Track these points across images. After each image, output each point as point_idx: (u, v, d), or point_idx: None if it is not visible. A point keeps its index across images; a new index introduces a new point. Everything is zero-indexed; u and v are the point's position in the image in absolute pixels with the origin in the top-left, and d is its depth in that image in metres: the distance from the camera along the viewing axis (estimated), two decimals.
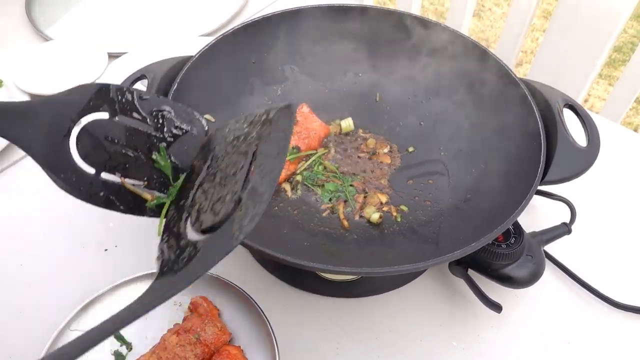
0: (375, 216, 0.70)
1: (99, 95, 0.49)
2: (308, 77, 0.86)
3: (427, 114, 0.82)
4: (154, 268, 0.69)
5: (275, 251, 0.55)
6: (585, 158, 0.65)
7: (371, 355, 0.67)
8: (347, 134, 0.82)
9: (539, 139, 0.66)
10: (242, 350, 0.62)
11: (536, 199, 0.81)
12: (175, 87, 0.70)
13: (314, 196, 0.74)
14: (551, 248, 0.76)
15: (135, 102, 0.50)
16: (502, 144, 0.72)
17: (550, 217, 0.79)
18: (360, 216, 0.72)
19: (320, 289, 0.72)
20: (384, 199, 0.74)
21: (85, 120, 0.48)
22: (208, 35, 1.11)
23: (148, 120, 0.51)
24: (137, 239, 0.78)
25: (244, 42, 0.80)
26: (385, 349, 0.68)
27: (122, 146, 0.50)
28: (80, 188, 0.49)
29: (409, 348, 0.68)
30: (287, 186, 0.74)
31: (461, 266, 0.69)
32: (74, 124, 0.48)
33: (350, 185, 0.75)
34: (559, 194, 0.77)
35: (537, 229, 0.73)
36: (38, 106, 0.47)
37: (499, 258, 0.66)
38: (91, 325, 0.63)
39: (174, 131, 0.52)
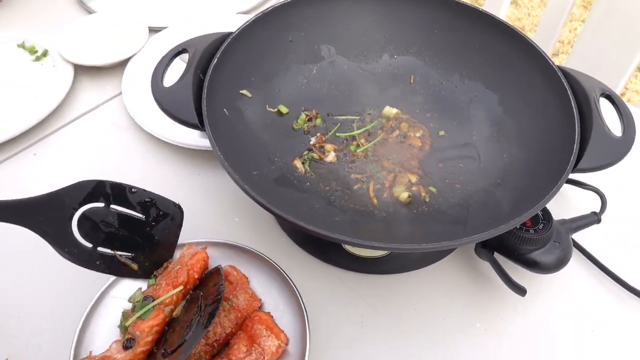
0: (404, 195, 0.72)
1: (96, 188, 0.62)
2: (344, 57, 0.87)
3: (461, 98, 0.83)
4: (189, 237, 0.72)
5: (308, 223, 0.57)
6: (619, 148, 0.65)
7: (395, 330, 0.69)
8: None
9: (573, 127, 0.66)
10: (272, 316, 0.64)
11: (567, 188, 0.82)
12: (215, 62, 0.72)
13: (346, 167, 0.76)
14: (580, 237, 0.76)
15: (127, 194, 0.64)
16: (536, 131, 0.72)
17: (580, 206, 0.80)
18: (390, 195, 0.73)
19: (347, 264, 0.74)
20: (413, 178, 0.75)
21: (84, 208, 0.61)
22: (246, 12, 1.13)
23: (137, 208, 0.64)
24: None
25: (282, 20, 0.81)
26: (409, 326, 0.70)
27: (115, 228, 0.64)
28: (80, 258, 0.63)
29: (431, 326, 0.70)
30: (297, 163, 0.75)
31: (487, 249, 0.70)
32: (75, 211, 0.61)
33: (381, 168, 0.77)
34: (590, 183, 0.77)
35: (567, 217, 0.74)
36: (47, 199, 0.59)
37: (526, 243, 0.67)
38: (127, 292, 0.66)
39: (157, 216, 0.65)
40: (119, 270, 0.65)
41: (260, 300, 0.66)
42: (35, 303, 0.70)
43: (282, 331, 0.63)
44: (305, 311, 0.64)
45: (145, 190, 0.65)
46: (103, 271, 0.64)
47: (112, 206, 0.63)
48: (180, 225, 0.67)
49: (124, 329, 0.61)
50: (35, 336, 0.68)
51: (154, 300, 0.61)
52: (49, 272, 0.73)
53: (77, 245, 0.62)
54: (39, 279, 0.72)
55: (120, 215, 0.64)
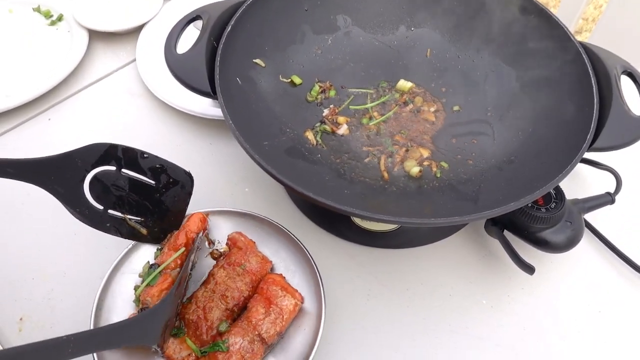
0: (415, 170, 0.71)
1: (108, 152, 0.61)
2: (360, 28, 0.85)
3: (478, 73, 0.81)
4: (200, 206, 0.72)
5: (317, 195, 0.57)
6: (638, 127, 0.63)
7: (401, 304, 0.70)
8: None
9: (592, 104, 0.65)
10: (284, 277, 0.66)
11: (582, 168, 0.80)
12: (228, 29, 0.71)
13: (358, 140, 0.76)
14: (592, 217, 0.76)
15: (138, 159, 0.63)
16: (553, 108, 0.71)
17: (594, 186, 0.79)
18: (401, 169, 0.73)
19: (356, 238, 0.74)
20: (425, 153, 0.74)
21: (96, 170, 0.61)
22: None
23: (147, 173, 0.64)
24: None
25: None
26: (415, 300, 0.70)
27: (126, 192, 0.64)
28: (92, 219, 0.63)
29: (438, 301, 0.70)
30: (309, 134, 0.75)
31: (497, 226, 0.69)
32: (87, 173, 0.61)
33: (393, 142, 0.76)
34: (606, 163, 0.76)
35: (580, 197, 0.73)
36: (59, 159, 0.59)
37: (537, 221, 0.66)
38: (137, 267, 0.66)
39: (167, 183, 0.66)
40: (128, 233, 0.66)
41: (271, 262, 0.67)
42: (49, 266, 0.72)
43: (297, 290, 0.64)
44: (316, 268, 0.65)
45: (156, 157, 0.64)
46: (113, 233, 0.65)
47: (124, 170, 0.63)
48: (190, 193, 0.68)
49: (138, 301, 0.62)
50: (48, 298, 0.69)
51: (159, 266, 0.62)
52: (62, 237, 0.74)
53: (89, 206, 0.63)
54: (53, 243, 0.74)
55: (131, 179, 0.64)
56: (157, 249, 0.67)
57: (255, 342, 0.59)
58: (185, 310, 0.61)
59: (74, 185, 0.61)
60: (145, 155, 0.64)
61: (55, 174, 0.59)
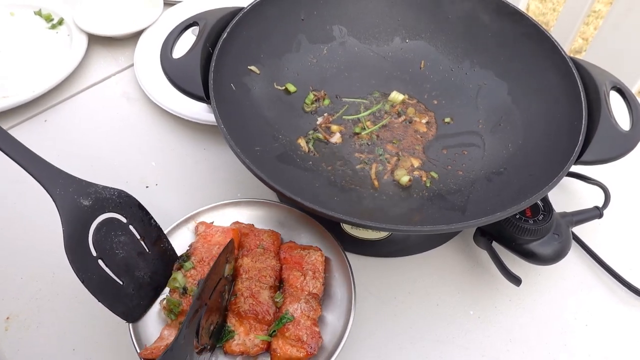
0: (404, 179, 0.72)
1: (127, 200, 0.61)
2: (355, 39, 0.87)
3: (470, 86, 0.82)
4: (191, 209, 0.73)
5: (306, 200, 0.57)
6: (626, 142, 0.64)
7: (389, 313, 0.70)
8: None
9: (580, 118, 0.65)
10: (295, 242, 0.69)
11: (572, 182, 0.81)
12: (224, 36, 0.72)
13: (350, 149, 0.76)
14: (580, 231, 0.76)
15: (150, 221, 0.63)
16: (543, 121, 0.71)
17: (584, 200, 0.79)
18: (391, 178, 0.73)
19: (345, 246, 0.74)
20: (416, 163, 0.74)
21: (111, 215, 0.59)
22: None
23: (146, 240, 0.62)
24: (177, 179, 0.82)
25: None
26: (403, 309, 0.70)
27: (122, 250, 0.60)
28: (79, 257, 0.56)
29: (425, 310, 0.70)
30: (302, 142, 0.76)
31: (486, 237, 0.70)
32: (102, 213, 0.59)
33: (385, 151, 0.77)
34: (595, 178, 0.77)
35: (569, 210, 0.73)
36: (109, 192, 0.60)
37: (525, 233, 0.66)
38: None
39: (159, 252, 0.64)
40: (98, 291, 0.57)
41: (278, 233, 0.70)
42: (37, 266, 0.72)
43: (311, 245, 0.68)
44: (317, 221, 0.68)
45: (160, 228, 0.64)
46: (86, 284, 0.55)
47: (132, 226, 0.61)
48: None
49: (171, 314, 0.60)
50: (36, 298, 0.69)
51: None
52: (53, 238, 0.73)
53: (85, 244, 0.57)
54: (43, 244, 0.74)
55: (130, 241, 0.61)
56: (183, 261, 0.64)
57: (311, 301, 0.62)
58: (236, 305, 0.62)
59: (85, 221, 0.57)
60: (153, 223, 0.63)
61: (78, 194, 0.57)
